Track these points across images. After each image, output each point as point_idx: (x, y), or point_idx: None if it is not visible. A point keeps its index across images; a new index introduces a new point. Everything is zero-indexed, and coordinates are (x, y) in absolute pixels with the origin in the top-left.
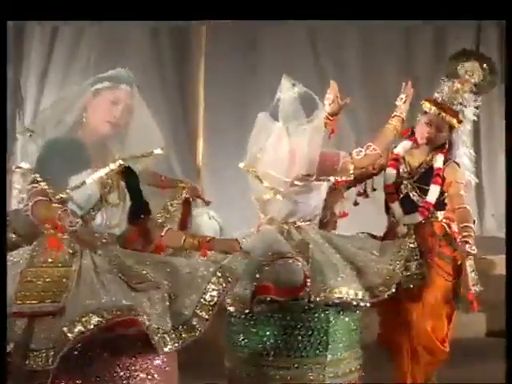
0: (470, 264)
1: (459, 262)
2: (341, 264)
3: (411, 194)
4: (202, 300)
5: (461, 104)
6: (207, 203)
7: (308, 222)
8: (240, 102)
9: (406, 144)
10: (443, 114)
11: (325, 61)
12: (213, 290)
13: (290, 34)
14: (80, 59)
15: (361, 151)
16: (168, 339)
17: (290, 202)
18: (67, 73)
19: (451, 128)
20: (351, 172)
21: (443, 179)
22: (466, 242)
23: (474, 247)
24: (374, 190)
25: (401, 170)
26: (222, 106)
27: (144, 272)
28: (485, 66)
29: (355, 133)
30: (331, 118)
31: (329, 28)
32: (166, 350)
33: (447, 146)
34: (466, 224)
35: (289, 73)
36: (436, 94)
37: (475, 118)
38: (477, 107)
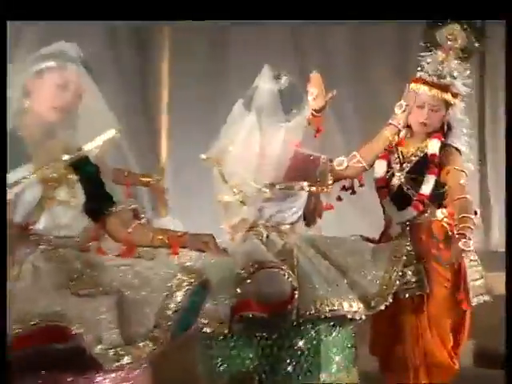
0: (471, 266)
1: (456, 265)
2: (330, 272)
3: (405, 188)
4: (165, 308)
5: (450, 76)
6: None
7: (289, 226)
8: (208, 100)
9: (397, 115)
10: (435, 92)
11: (309, 61)
12: (178, 297)
13: (271, 33)
14: None
15: (343, 162)
16: (119, 352)
17: (262, 208)
18: None
19: (447, 106)
20: (330, 182)
21: (440, 167)
22: (462, 236)
23: (470, 243)
24: (361, 185)
25: (392, 162)
26: (189, 105)
27: (94, 276)
28: (466, 26)
29: (344, 134)
30: (316, 115)
31: (314, 26)
32: (115, 364)
33: (445, 129)
34: (464, 214)
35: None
36: (420, 73)
37: (468, 90)
38: (467, 77)
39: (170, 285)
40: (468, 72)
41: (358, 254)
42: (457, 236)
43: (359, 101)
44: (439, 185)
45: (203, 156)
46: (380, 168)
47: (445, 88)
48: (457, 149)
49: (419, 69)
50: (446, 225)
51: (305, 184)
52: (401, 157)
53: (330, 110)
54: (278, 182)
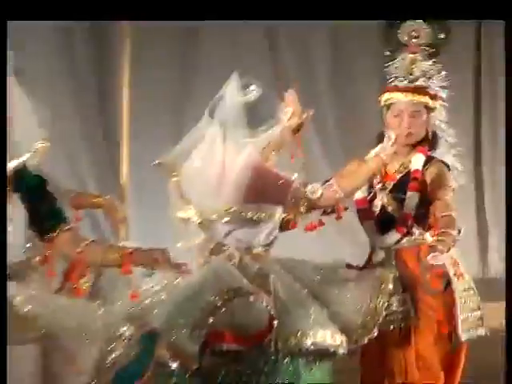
0: (466, 296)
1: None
2: (310, 300)
3: (388, 209)
4: (103, 361)
5: (425, 77)
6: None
7: (263, 248)
8: (174, 110)
9: (385, 147)
10: (411, 96)
11: (287, 65)
12: (116, 350)
13: (244, 34)
14: None
15: (317, 189)
16: None
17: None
18: None
19: (428, 111)
20: (302, 210)
21: (424, 184)
22: (433, 249)
23: (443, 257)
24: (346, 208)
25: (374, 181)
26: (152, 114)
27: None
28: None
29: (327, 155)
30: (292, 136)
31: (294, 27)
32: None
33: (431, 140)
34: (445, 230)
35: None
36: (392, 82)
37: (444, 92)
38: (445, 78)
39: (111, 333)
40: (444, 73)
41: (340, 282)
42: (429, 248)
43: (340, 112)
44: (424, 203)
45: (156, 161)
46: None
47: (420, 90)
48: (443, 162)
49: (389, 78)
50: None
51: (276, 211)
52: (384, 175)
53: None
54: (239, 202)
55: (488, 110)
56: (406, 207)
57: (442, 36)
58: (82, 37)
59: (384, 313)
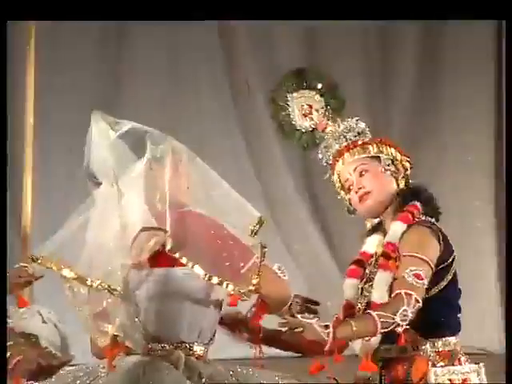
0: None
1: None
2: None
3: (360, 302)
4: None
5: (358, 135)
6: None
7: (202, 347)
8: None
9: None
10: (347, 155)
11: (245, 69)
12: None
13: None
14: None
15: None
16: None
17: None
18: None
19: (376, 159)
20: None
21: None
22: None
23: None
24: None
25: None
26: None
27: None
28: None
29: None
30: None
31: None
32: None
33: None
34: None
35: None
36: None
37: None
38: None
39: None
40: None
41: None
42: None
43: None
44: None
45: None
46: (349, 289)
47: (354, 144)
48: (432, 227)
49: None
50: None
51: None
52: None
53: None
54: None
55: None
56: (374, 294)
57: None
58: None
59: None
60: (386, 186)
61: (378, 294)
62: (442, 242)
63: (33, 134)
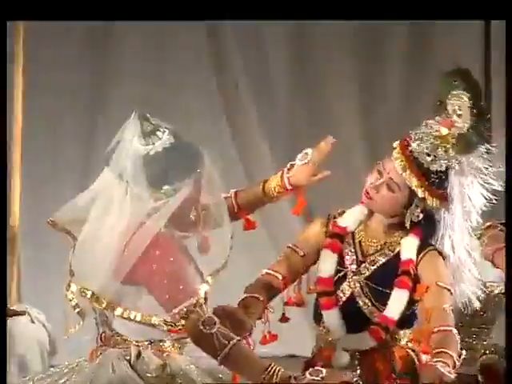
0: None
1: None
2: None
3: (360, 301)
4: None
5: (444, 159)
6: None
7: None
8: (84, 135)
9: (360, 211)
10: (408, 174)
11: (236, 71)
12: None
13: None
14: None
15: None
16: None
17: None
18: None
19: (412, 196)
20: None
21: (415, 279)
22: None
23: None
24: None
25: (346, 257)
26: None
27: None
28: (472, 103)
29: None
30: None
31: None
32: None
33: (423, 221)
34: (443, 350)
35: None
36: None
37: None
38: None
39: None
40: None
41: None
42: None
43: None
44: (410, 303)
45: (50, 219)
46: (326, 264)
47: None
48: (440, 252)
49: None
50: (411, 352)
51: None
52: (359, 253)
53: None
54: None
55: None
56: (391, 308)
57: (478, 139)
58: None
59: None
60: (389, 210)
61: (394, 311)
62: None
63: (21, 134)
